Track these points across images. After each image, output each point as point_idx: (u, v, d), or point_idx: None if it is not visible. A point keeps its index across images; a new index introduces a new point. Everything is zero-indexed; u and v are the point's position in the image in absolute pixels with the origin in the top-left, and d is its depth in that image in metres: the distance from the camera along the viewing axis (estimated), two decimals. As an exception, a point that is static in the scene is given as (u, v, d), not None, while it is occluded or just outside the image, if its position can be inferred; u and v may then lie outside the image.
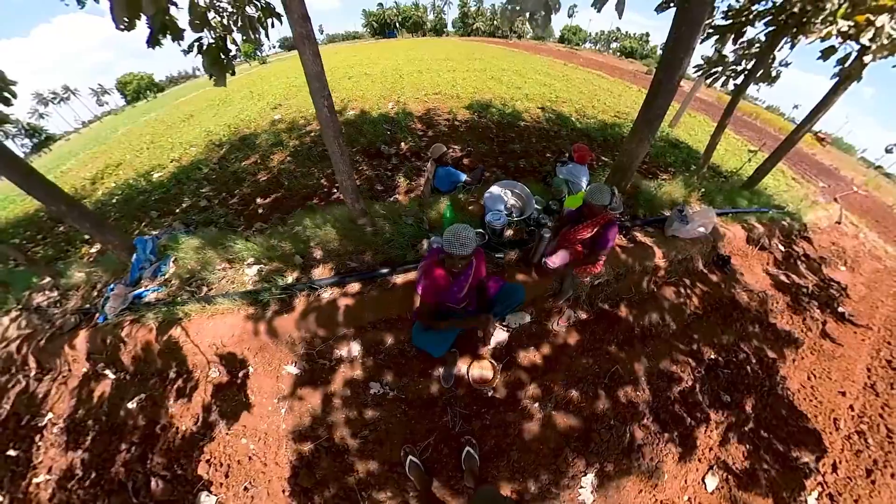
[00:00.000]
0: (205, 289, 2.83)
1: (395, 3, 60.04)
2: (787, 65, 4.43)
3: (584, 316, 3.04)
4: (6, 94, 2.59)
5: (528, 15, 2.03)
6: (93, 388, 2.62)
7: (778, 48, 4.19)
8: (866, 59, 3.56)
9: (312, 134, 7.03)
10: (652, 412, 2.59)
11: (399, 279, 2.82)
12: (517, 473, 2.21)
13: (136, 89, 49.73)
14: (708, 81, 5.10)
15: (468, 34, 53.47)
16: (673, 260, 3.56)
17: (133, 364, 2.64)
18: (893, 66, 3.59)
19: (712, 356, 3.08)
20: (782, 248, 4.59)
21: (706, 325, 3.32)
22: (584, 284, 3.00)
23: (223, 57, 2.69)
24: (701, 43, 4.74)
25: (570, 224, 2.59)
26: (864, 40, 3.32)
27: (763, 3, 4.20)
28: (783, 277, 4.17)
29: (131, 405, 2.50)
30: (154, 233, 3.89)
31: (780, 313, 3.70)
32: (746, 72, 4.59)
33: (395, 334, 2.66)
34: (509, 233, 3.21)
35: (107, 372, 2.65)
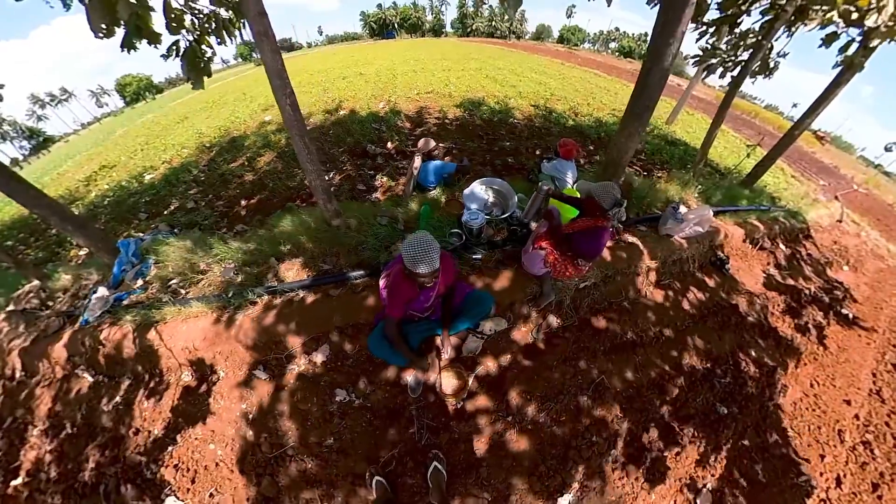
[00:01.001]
0: (182, 291, 2.81)
1: (394, 3, 60.19)
2: (784, 55, 4.24)
3: (567, 322, 2.85)
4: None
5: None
6: (72, 391, 2.61)
7: (775, 37, 4.01)
8: (872, 42, 3.36)
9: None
10: (640, 426, 2.41)
11: (368, 282, 2.71)
12: (487, 491, 2.06)
13: (136, 91, 49.83)
14: (704, 74, 4.92)
15: (467, 34, 53.51)
16: (666, 261, 3.37)
17: (110, 367, 2.63)
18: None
19: (708, 365, 2.91)
20: (784, 247, 4.41)
21: (702, 331, 3.13)
22: (567, 288, 2.81)
23: (199, 60, 2.72)
24: (696, 42, 4.60)
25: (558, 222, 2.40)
26: (870, 22, 3.12)
27: None
28: (784, 278, 4.01)
29: (107, 408, 2.49)
30: (140, 235, 3.91)
31: (782, 317, 3.53)
32: (743, 63, 4.40)
33: (362, 339, 2.53)
34: (488, 234, 3.04)
35: (85, 375, 2.65)
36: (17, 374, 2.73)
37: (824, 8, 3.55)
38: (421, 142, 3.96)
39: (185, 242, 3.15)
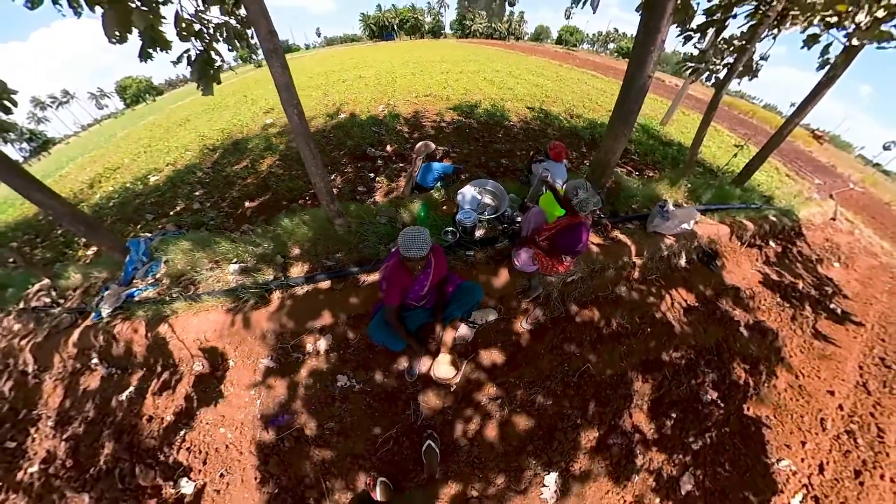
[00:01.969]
0: (192, 287, 2.92)
1: (393, 5, 60.36)
2: (765, 58, 4.40)
3: (554, 314, 3.00)
4: (6, 103, 2.62)
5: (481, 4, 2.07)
6: (85, 383, 2.72)
7: (759, 40, 4.16)
8: (854, 41, 3.49)
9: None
10: (624, 412, 2.55)
11: (369, 277, 2.86)
12: (477, 469, 2.22)
13: (136, 93, 49.75)
14: (692, 78, 5.06)
15: (466, 36, 53.61)
16: (653, 256, 3.51)
17: (123, 359, 2.73)
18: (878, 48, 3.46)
19: (692, 355, 3.02)
20: (774, 244, 4.52)
21: (687, 324, 3.26)
22: (555, 282, 2.97)
23: (209, 67, 2.81)
24: (683, 45, 4.74)
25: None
26: (850, 25, 3.24)
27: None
28: (773, 274, 4.10)
29: (121, 397, 2.59)
30: (149, 235, 3.99)
31: (769, 311, 3.63)
32: (728, 66, 4.55)
33: (362, 328, 2.69)
34: (481, 232, 3.20)
35: (98, 367, 2.75)
36: (31, 368, 2.80)
37: (806, 14, 3.70)
38: (420, 144, 4.11)
39: (194, 241, 3.26)
